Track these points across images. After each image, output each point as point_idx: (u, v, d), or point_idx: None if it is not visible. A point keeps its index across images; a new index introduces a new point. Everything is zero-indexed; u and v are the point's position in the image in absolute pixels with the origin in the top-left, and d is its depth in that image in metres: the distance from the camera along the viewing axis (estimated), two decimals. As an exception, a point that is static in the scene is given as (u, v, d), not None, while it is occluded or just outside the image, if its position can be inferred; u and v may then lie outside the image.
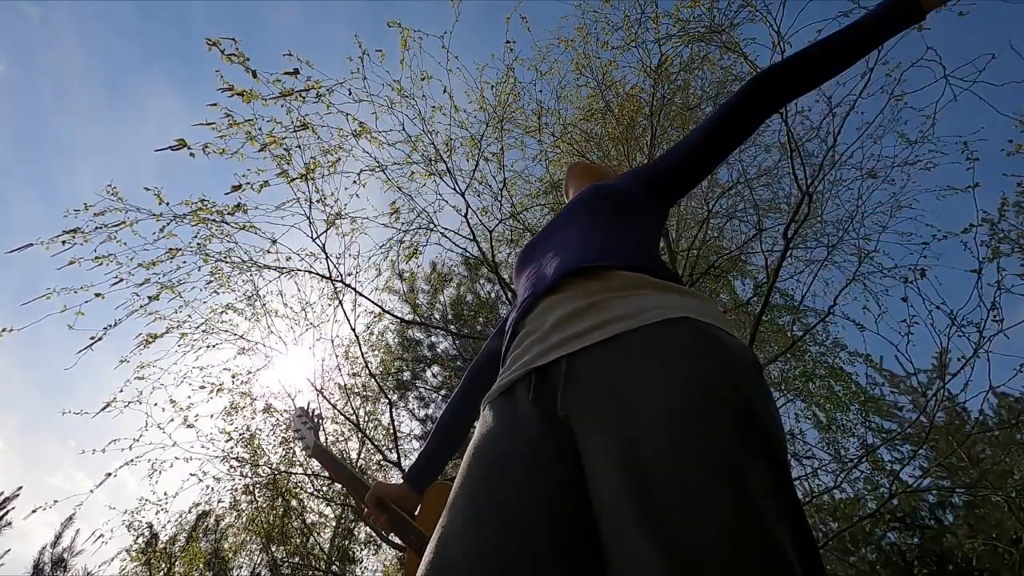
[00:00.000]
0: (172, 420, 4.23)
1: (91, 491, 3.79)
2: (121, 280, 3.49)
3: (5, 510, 7.16)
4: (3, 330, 3.24)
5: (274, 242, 3.75)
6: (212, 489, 5.17)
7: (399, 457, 4.09)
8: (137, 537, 5.97)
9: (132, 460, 4.11)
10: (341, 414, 4.67)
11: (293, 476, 5.15)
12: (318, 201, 3.64)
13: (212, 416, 4.71)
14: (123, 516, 5.33)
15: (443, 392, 6.90)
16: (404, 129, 3.86)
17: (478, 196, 4.51)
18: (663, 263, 0.81)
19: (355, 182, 3.84)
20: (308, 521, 5.68)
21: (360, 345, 4.12)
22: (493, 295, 7.09)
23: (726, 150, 0.94)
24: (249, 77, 3.03)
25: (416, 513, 1.10)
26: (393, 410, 4.28)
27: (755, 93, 0.90)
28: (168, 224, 3.49)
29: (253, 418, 4.94)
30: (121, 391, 3.90)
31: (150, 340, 3.80)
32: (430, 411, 6.94)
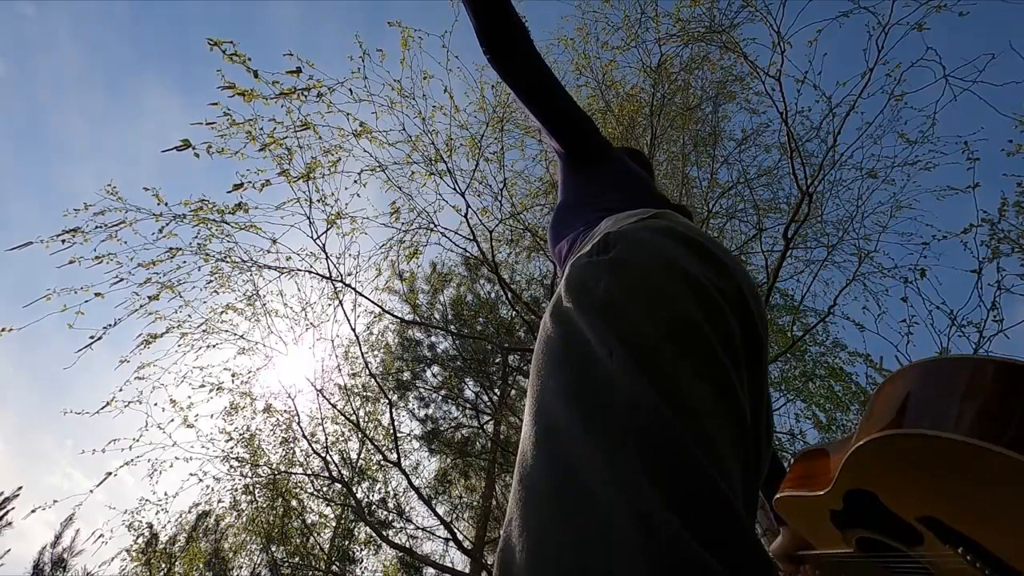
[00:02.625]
0: (172, 420, 4.23)
1: (91, 491, 3.79)
2: (121, 280, 3.49)
3: (5, 510, 7.16)
4: (2, 330, 3.24)
5: (274, 242, 3.75)
6: (212, 489, 5.18)
7: (399, 457, 4.09)
8: (137, 537, 5.98)
9: (132, 460, 4.12)
10: (341, 414, 4.67)
11: (293, 476, 5.15)
12: (318, 201, 3.65)
13: (212, 416, 4.71)
14: (123, 516, 5.34)
15: (443, 392, 6.90)
16: (404, 129, 3.87)
17: (478, 196, 4.52)
18: (575, 219, 0.85)
19: (356, 182, 3.85)
20: (308, 521, 5.68)
21: (360, 345, 4.12)
22: (493, 295, 7.09)
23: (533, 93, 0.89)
24: (249, 77, 3.03)
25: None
26: (393, 410, 4.27)
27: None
28: (168, 224, 3.50)
29: (253, 418, 4.95)
30: (120, 391, 3.90)
31: (150, 340, 3.80)
32: (430, 411, 6.94)
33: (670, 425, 0.39)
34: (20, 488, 7.56)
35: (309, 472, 5.05)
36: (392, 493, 6.28)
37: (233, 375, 4.59)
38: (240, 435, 4.84)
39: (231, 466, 4.89)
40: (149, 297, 3.65)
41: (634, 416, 0.40)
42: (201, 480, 4.89)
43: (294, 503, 5.47)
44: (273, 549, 5.63)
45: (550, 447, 0.42)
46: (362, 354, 4.23)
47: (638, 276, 0.54)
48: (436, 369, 7.19)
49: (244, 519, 5.64)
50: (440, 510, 6.09)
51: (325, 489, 5.35)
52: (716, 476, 0.37)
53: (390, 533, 5.88)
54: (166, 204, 3.46)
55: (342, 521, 6.42)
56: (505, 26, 0.83)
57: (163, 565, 6.36)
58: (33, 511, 3.72)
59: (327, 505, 5.74)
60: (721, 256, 0.62)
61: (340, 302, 3.97)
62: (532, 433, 0.45)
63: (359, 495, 5.91)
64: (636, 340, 0.47)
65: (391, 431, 4.48)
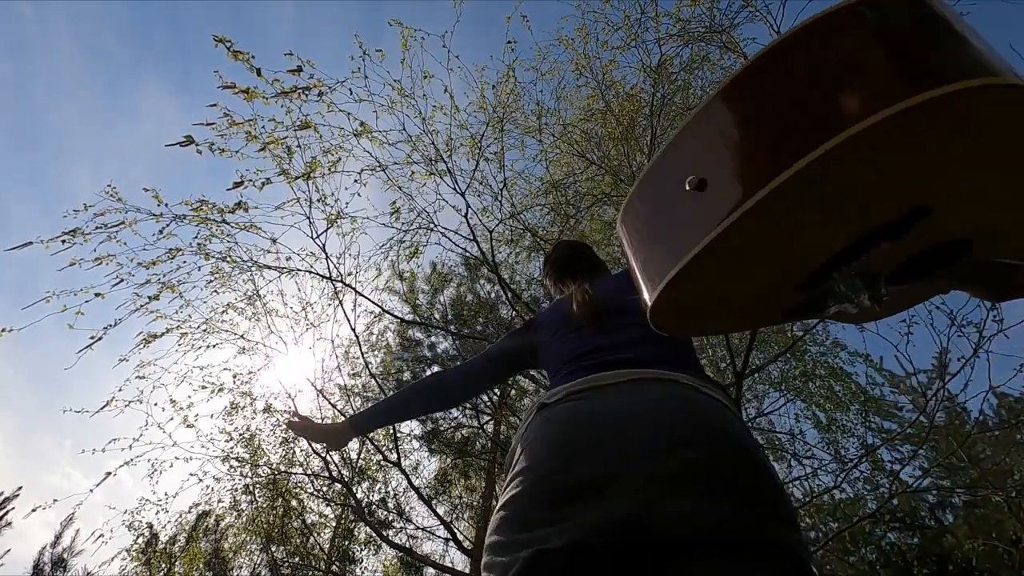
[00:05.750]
0: (172, 420, 4.22)
1: (91, 490, 3.79)
2: (121, 280, 3.49)
3: (5, 510, 7.16)
4: (2, 330, 3.23)
5: (274, 241, 3.75)
6: (212, 489, 5.18)
7: (399, 457, 4.09)
8: (137, 537, 5.98)
9: (132, 460, 4.11)
10: (341, 414, 4.66)
11: (293, 476, 5.15)
12: (318, 201, 3.64)
13: (212, 416, 4.71)
14: (123, 516, 5.33)
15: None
16: (404, 129, 3.87)
17: (478, 196, 4.52)
18: None
19: (356, 181, 3.84)
20: (308, 521, 5.68)
21: (360, 345, 4.11)
22: (493, 295, 7.09)
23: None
24: (250, 76, 3.03)
25: None
26: (393, 410, 4.25)
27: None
28: (168, 224, 3.49)
29: (253, 418, 4.94)
30: (120, 390, 3.90)
31: (150, 340, 3.80)
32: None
33: None
34: (20, 488, 7.56)
35: (309, 472, 5.04)
36: (392, 493, 6.28)
37: (234, 375, 4.59)
38: (240, 435, 4.84)
39: (231, 466, 4.89)
40: (149, 297, 3.65)
41: None
42: (201, 480, 4.89)
43: (294, 503, 5.47)
44: (273, 549, 5.63)
45: None
46: (362, 354, 4.23)
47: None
48: (436, 369, 7.18)
49: (244, 519, 5.64)
50: (440, 510, 6.09)
51: (325, 489, 5.35)
52: None
53: (390, 533, 5.88)
54: (166, 205, 3.46)
55: (342, 521, 6.42)
56: (447, 405, 1.28)
57: (163, 565, 6.36)
58: (33, 511, 3.72)
59: (327, 505, 5.74)
60: (562, 424, 0.74)
61: (340, 302, 3.97)
62: None
63: (359, 495, 5.91)
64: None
65: (391, 431, 4.48)
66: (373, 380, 5.05)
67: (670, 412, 0.70)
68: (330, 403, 4.50)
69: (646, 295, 0.54)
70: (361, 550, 6.61)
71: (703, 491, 0.61)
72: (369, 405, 1.25)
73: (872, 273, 0.52)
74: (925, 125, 0.36)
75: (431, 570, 6.65)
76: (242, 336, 4.33)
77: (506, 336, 1.19)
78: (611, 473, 0.63)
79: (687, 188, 0.47)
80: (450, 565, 5.58)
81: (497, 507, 0.71)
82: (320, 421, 1.15)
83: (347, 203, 3.82)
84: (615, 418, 0.71)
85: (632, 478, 0.62)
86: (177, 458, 4.42)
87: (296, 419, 1.15)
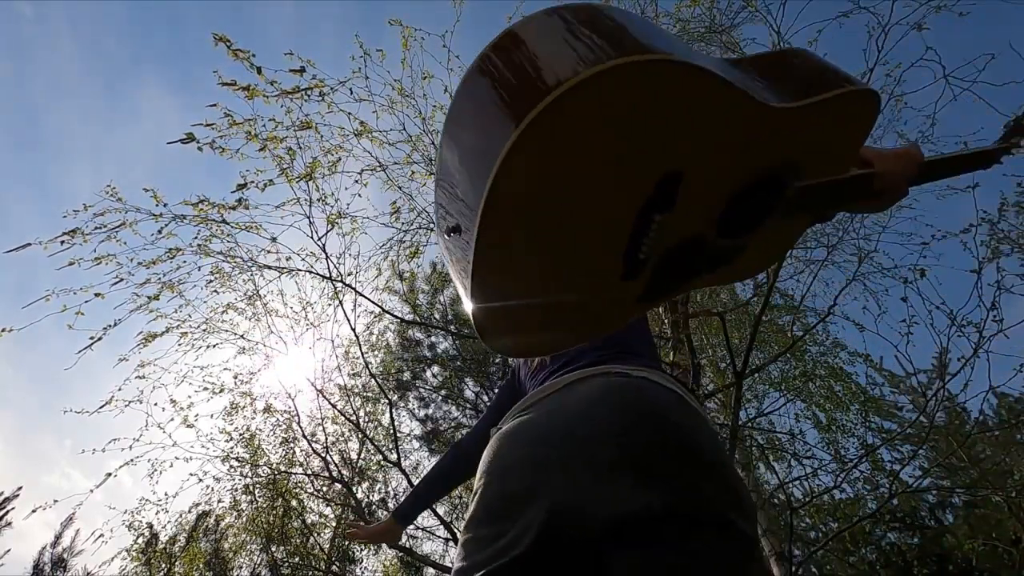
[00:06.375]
0: (172, 420, 4.22)
1: (91, 491, 3.79)
2: (121, 280, 3.49)
3: (5, 510, 7.16)
4: (2, 330, 3.24)
5: (274, 240, 3.74)
6: (212, 489, 5.18)
7: (399, 457, 4.09)
8: (137, 537, 5.98)
9: (132, 460, 4.12)
10: (341, 414, 4.67)
11: (293, 476, 5.15)
12: (319, 201, 3.64)
13: (212, 416, 4.71)
14: (123, 516, 5.33)
15: (443, 392, 6.89)
16: (404, 129, 3.87)
17: (478, 196, 4.50)
18: None
19: (356, 181, 3.85)
20: (308, 521, 5.68)
21: (360, 345, 4.11)
22: (493, 295, 7.08)
23: None
24: (249, 75, 3.03)
25: None
26: (393, 410, 4.26)
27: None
28: (168, 224, 3.49)
29: (253, 418, 4.94)
30: (120, 390, 3.90)
31: (150, 339, 3.80)
32: (430, 411, 6.94)
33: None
34: (20, 488, 7.57)
35: (309, 472, 5.04)
36: (392, 493, 6.28)
37: (234, 376, 4.59)
38: (240, 435, 4.84)
39: (231, 466, 4.89)
40: (149, 297, 3.65)
41: None
42: (201, 480, 4.89)
43: (294, 503, 5.47)
44: (273, 549, 5.63)
45: None
46: (362, 354, 4.22)
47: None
48: (436, 369, 7.19)
49: (244, 519, 5.64)
50: (440, 510, 6.09)
51: (325, 489, 5.35)
52: None
53: (390, 533, 5.86)
54: (165, 204, 3.46)
55: (342, 521, 6.42)
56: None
57: (163, 565, 6.36)
58: (33, 511, 3.72)
59: (327, 505, 5.74)
60: (499, 442, 0.78)
61: (340, 302, 3.97)
62: None
63: (359, 495, 5.91)
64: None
65: (391, 431, 4.47)
66: (373, 380, 5.04)
67: (598, 404, 0.72)
68: (330, 403, 4.50)
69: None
70: (361, 550, 6.61)
71: (637, 475, 0.61)
72: (403, 498, 1.38)
73: (694, 237, 0.53)
74: (602, 97, 0.37)
75: (431, 570, 6.65)
76: (242, 336, 4.33)
77: (501, 387, 1.29)
78: (543, 478, 0.66)
79: (447, 236, 0.49)
80: (450, 565, 5.58)
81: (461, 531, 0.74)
82: (373, 524, 1.36)
83: (348, 203, 3.82)
84: (547, 425, 0.74)
85: (564, 477, 0.64)
86: (177, 458, 4.42)
87: (353, 529, 1.35)
